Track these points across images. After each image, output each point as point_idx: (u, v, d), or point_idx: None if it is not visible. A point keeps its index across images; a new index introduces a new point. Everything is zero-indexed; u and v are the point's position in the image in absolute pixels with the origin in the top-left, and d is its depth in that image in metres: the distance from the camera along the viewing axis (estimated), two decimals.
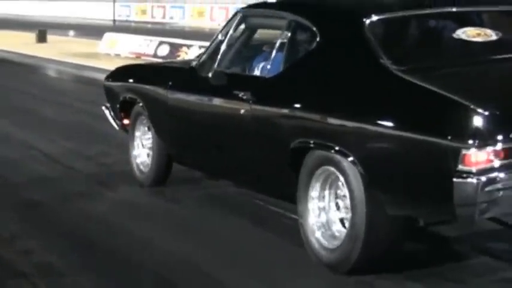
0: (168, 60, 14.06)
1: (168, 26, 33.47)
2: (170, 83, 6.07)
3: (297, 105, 4.76)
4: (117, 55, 19.42)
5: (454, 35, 4.76)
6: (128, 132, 6.75)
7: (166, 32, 26.25)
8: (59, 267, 4.76)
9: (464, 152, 3.78)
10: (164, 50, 18.28)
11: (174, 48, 17.94)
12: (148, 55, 18.35)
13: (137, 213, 5.89)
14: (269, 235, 5.24)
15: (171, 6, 39.67)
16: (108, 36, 21.18)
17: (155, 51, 18.47)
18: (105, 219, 5.73)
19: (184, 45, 17.84)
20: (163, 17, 38.87)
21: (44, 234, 5.44)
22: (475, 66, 4.66)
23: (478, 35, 4.75)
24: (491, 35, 4.79)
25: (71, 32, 29.06)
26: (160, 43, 18.83)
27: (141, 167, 6.55)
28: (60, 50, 20.60)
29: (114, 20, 33.77)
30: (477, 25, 4.93)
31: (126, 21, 38.36)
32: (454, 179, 3.79)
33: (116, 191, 6.50)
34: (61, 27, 30.34)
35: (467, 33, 4.74)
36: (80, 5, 47.24)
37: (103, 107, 7.11)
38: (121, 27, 29.44)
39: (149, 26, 34.33)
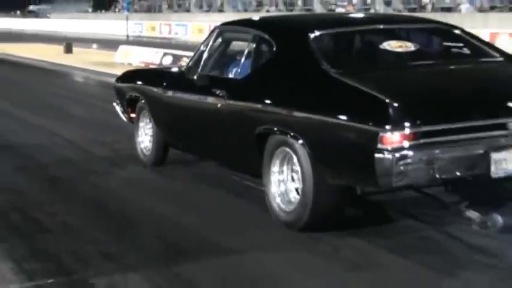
0: (164, 66, 13.93)
1: (173, 41, 32.79)
2: (165, 84, 6.03)
3: (261, 101, 4.75)
4: (130, 64, 19.00)
5: (381, 46, 4.79)
6: (134, 123, 6.70)
7: (171, 45, 25.66)
8: (77, 226, 4.84)
9: (381, 134, 3.83)
10: (168, 60, 18.10)
11: (176, 58, 17.68)
12: (155, 64, 18.13)
13: (141, 187, 5.89)
14: (242, 202, 5.26)
15: (176, 24, 38.92)
16: (122, 48, 20.76)
17: (160, 60, 18.25)
18: (115, 191, 5.78)
19: (185, 56, 17.66)
20: (170, 33, 38.03)
21: (66, 201, 5.47)
22: (395, 70, 4.66)
23: (400, 46, 4.80)
24: (409, 46, 4.83)
25: (94, 45, 27.98)
26: (165, 54, 18.59)
27: (144, 151, 6.52)
28: (83, 59, 20.21)
29: (127, 35, 33.25)
30: (399, 39, 4.93)
31: (139, 36, 37.39)
32: (375, 155, 3.83)
33: (125, 169, 6.50)
34: (84, 41, 29.42)
35: (391, 45, 4.78)
36: (100, 22, 46.45)
37: (114, 103, 7.12)
38: (134, 41, 28.62)
39: (158, 40, 33.31)
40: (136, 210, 5.26)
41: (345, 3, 34.42)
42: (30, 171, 6.55)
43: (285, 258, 4.12)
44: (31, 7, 75.80)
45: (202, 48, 5.72)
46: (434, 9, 30.09)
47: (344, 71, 4.40)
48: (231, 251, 4.25)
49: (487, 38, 22.72)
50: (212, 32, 5.80)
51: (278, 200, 4.66)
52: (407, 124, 3.84)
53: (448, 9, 29.37)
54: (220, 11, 40.96)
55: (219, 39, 5.67)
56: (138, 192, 5.74)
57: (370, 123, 3.91)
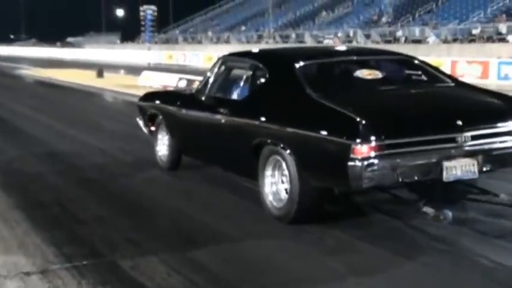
0: (179, 88, 13.86)
1: (187, 67, 32.82)
2: (179, 103, 6.06)
3: (257, 118, 4.77)
4: (151, 86, 18.87)
5: (354, 74, 4.86)
6: (153, 135, 6.72)
7: (186, 71, 25.65)
8: (108, 217, 4.87)
9: (353, 146, 3.90)
10: (183, 83, 18.10)
11: (190, 81, 17.70)
12: (171, 86, 18.14)
13: (159, 186, 5.94)
14: (241, 199, 5.31)
15: (190, 53, 39.02)
16: (144, 73, 20.71)
17: (176, 84, 18.26)
18: (138, 189, 5.82)
19: (196, 80, 17.65)
20: (184, 61, 37.94)
21: (97, 198, 5.51)
22: (365, 94, 4.69)
23: (370, 74, 4.86)
24: (378, 74, 4.89)
25: (121, 71, 28.04)
26: (180, 78, 18.64)
27: (162, 157, 6.54)
28: (112, 82, 20.20)
29: (149, 63, 33.33)
30: (369, 68, 4.98)
31: (159, 63, 37.08)
32: (348, 163, 3.91)
33: (146, 172, 6.52)
34: (113, 67, 29.53)
35: (363, 73, 4.86)
36: (126, 52, 46.53)
37: (137, 119, 7.13)
38: (154, 68, 28.53)
39: (174, 67, 33.16)
40: (156, 204, 5.30)
41: (332, 36, 34.56)
42: (68, 173, 6.59)
43: (275, 245, 4.19)
44: (69, 39, 76.08)
45: (209, 74, 5.78)
46: (406, 41, 30.16)
47: (324, 95, 4.45)
48: (233, 239, 4.31)
49: (449, 65, 22.93)
50: (217, 61, 5.85)
51: (270, 198, 4.72)
52: (373, 138, 3.92)
53: (418, 41, 29.34)
54: (227, 42, 41.06)
55: (223, 67, 5.71)
56: (157, 191, 5.78)
57: (344, 137, 3.98)
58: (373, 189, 4.65)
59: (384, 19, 34.95)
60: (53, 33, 76.44)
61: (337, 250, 4.09)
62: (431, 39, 28.62)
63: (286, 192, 4.56)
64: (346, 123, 4.06)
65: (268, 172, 4.72)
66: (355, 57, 5.29)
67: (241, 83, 5.29)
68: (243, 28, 45.79)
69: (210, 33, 47.45)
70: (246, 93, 5.17)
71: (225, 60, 5.79)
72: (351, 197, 5.07)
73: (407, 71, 5.26)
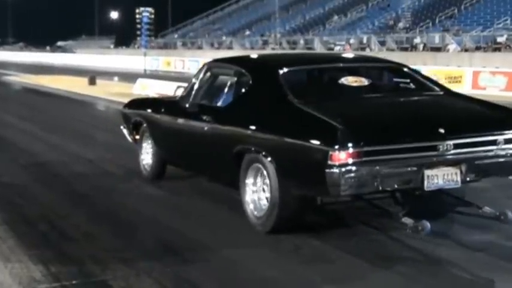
0: (162, 96, 13.59)
1: (186, 74, 32.72)
2: (162, 111, 6.36)
3: (239, 125, 5.04)
4: (146, 95, 19.23)
5: (339, 81, 5.10)
6: (138, 143, 6.98)
7: (185, 79, 25.73)
8: (98, 234, 4.97)
9: (331, 152, 4.14)
10: (180, 92, 18.32)
11: None
12: (168, 95, 18.34)
13: (143, 197, 6.22)
14: (225, 208, 5.62)
15: (189, 59, 39.05)
16: (139, 81, 20.73)
17: (174, 92, 18.32)
18: (130, 206, 5.95)
19: None
20: (183, 68, 38.24)
21: (87, 213, 5.65)
22: (349, 101, 4.98)
23: (355, 81, 5.10)
24: (364, 81, 5.14)
25: (115, 78, 28.10)
26: (178, 87, 18.58)
27: (146, 166, 6.82)
28: (105, 90, 20.31)
29: (145, 70, 33.51)
30: (356, 75, 5.21)
31: (155, 70, 37.33)
32: (326, 170, 4.16)
33: (139, 187, 6.69)
34: (107, 74, 29.64)
35: (348, 80, 5.10)
36: (121, 58, 46.68)
37: (121, 127, 7.41)
38: (151, 75, 28.62)
39: (172, 74, 33.33)
40: (139, 215, 5.60)
41: (343, 43, 34.85)
42: (56, 186, 6.81)
43: (253, 254, 4.48)
44: (59, 43, 76.73)
45: (193, 80, 6.05)
46: (424, 49, 30.16)
47: (305, 102, 4.71)
48: (214, 250, 4.58)
49: (470, 76, 23.09)
50: (202, 67, 6.13)
51: (251, 206, 4.99)
52: (351, 145, 4.17)
53: (437, 49, 29.26)
54: (229, 48, 41.23)
55: (208, 74, 5.99)
56: (140, 201, 6.07)
57: (322, 144, 4.24)
58: (357, 199, 4.96)
59: (400, 24, 35.23)
60: (42, 36, 77.17)
61: (314, 260, 4.35)
62: (452, 47, 28.75)
63: (267, 201, 4.81)
64: (325, 130, 4.32)
65: (250, 180, 4.97)
66: (341, 64, 5.61)
67: (225, 90, 5.58)
68: (247, 33, 46.18)
69: (211, 38, 47.83)
70: (229, 100, 5.44)
71: (210, 66, 6.09)
72: (334, 207, 5.26)
73: (395, 79, 5.58)
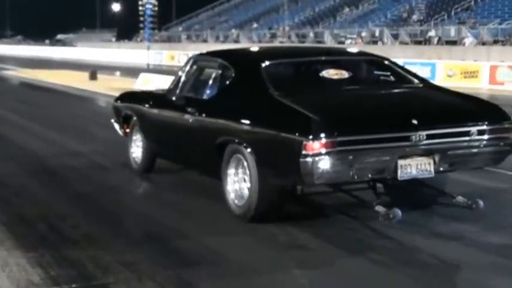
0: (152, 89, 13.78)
1: None
2: (151, 103, 6.71)
3: (221, 116, 5.38)
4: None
5: (320, 74, 5.42)
6: (128, 137, 7.27)
7: None
8: (99, 235, 5.00)
9: (305, 142, 4.44)
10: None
11: None
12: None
13: (133, 189, 6.56)
14: (209, 197, 5.91)
15: (193, 53, 39.55)
16: (142, 75, 20.97)
17: None
18: (131, 205, 6.06)
19: None
20: None
21: (88, 214, 5.68)
22: (327, 93, 5.28)
23: (336, 74, 5.43)
24: (344, 74, 5.47)
25: (117, 72, 28.28)
26: None
27: (136, 159, 7.13)
28: (107, 85, 20.42)
29: (148, 64, 33.65)
30: (337, 68, 5.52)
31: (159, 65, 37.49)
32: (300, 159, 4.47)
33: (120, 176, 7.11)
34: (108, 69, 29.81)
35: (329, 73, 5.42)
36: (123, 51, 47.14)
37: (112, 120, 7.68)
38: (154, 70, 28.82)
39: (176, 68, 32.78)
40: (130, 207, 5.89)
41: (355, 36, 35.07)
42: (55, 185, 6.89)
43: (232, 242, 4.81)
44: (59, 36, 77.03)
45: (180, 73, 6.39)
46: (439, 42, 30.21)
47: (285, 94, 5.03)
48: (200, 239, 4.88)
49: (487, 71, 23.18)
50: (188, 60, 6.47)
51: (232, 196, 5.31)
52: (324, 135, 4.50)
53: (453, 43, 29.32)
54: (236, 41, 41.47)
55: (194, 67, 6.32)
56: (130, 194, 6.39)
57: (297, 134, 4.55)
58: (336, 190, 5.34)
59: (414, 17, 35.33)
60: (42, 29, 77.62)
61: (290, 246, 4.67)
62: (468, 40, 28.77)
63: (248, 191, 5.12)
64: (299, 120, 4.63)
65: (231, 171, 5.30)
66: (323, 57, 5.93)
67: (210, 83, 5.90)
68: (255, 25, 46.37)
69: (216, 31, 47.99)
70: (213, 93, 5.77)
71: (196, 59, 6.44)
72: (313, 196, 5.55)
73: (376, 72, 5.91)
